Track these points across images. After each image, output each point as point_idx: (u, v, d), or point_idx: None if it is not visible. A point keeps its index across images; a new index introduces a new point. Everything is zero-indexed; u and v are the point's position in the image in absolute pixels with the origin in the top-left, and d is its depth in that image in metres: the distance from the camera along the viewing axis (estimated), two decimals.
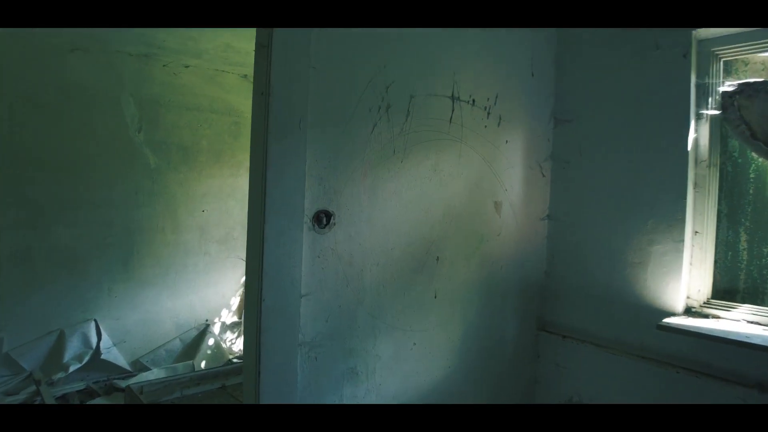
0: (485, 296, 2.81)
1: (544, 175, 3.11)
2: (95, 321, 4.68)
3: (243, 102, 5.53)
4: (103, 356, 4.59)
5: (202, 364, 5.03)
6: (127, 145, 4.83)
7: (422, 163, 2.47)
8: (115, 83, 4.72)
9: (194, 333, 5.28)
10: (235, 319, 5.57)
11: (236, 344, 5.56)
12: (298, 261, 2.01)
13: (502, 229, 2.86)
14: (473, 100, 2.67)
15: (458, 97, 2.60)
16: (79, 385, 4.41)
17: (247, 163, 5.25)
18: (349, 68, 2.16)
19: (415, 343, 2.48)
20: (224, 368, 4.87)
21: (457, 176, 2.62)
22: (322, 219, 2.01)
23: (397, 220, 2.38)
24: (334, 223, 2.08)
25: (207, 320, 5.37)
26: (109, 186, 4.73)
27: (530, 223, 3.04)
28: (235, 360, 5.29)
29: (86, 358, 4.50)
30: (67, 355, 4.43)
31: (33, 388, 4.10)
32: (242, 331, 5.53)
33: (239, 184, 5.54)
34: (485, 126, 2.75)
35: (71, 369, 4.36)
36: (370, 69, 2.22)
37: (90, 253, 4.65)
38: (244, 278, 5.56)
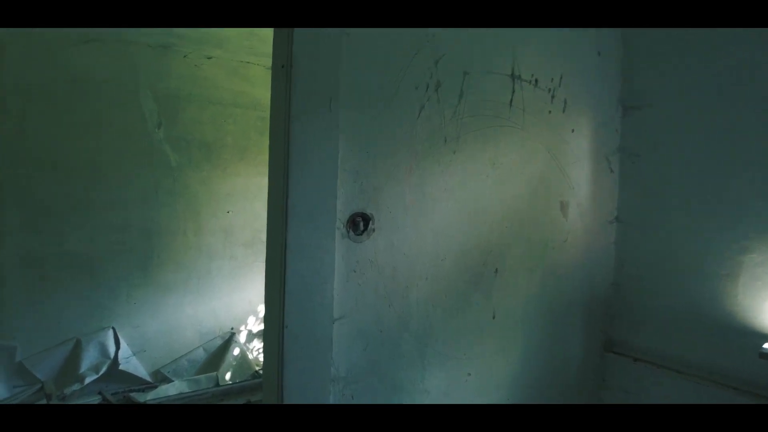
0: (548, 313, 2.37)
1: (612, 171, 2.63)
2: (113, 329, 4.40)
3: (270, 96, 5.17)
4: (121, 366, 4.30)
5: (227, 376, 4.70)
6: (145, 141, 4.52)
7: (478, 155, 2.03)
8: (132, 76, 4.42)
9: (218, 342, 4.95)
10: (262, 326, 5.22)
11: (262, 354, 5.22)
12: (330, 276, 1.60)
13: (568, 234, 2.40)
14: (536, 80, 2.23)
15: (519, 76, 2.16)
16: (94, 399, 4.11)
17: None
18: (391, 35, 1.73)
19: (470, 374, 2.05)
20: (250, 382, 4.54)
21: (519, 171, 2.18)
22: (359, 224, 1.60)
23: (449, 225, 1.95)
24: (374, 229, 1.66)
25: (232, 328, 5.04)
26: (124, 185, 4.42)
27: (598, 227, 2.56)
28: (261, 372, 4.95)
29: (103, 369, 4.21)
30: (84, 365, 4.14)
31: (44, 402, 3.83)
32: None
33: (266, 183, 5.17)
34: (549, 111, 2.30)
35: (87, 380, 4.07)
36: (415, 37, 1.79)
37: (105, 257, 4.35)
38: None
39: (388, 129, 1.74)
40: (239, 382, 4.50)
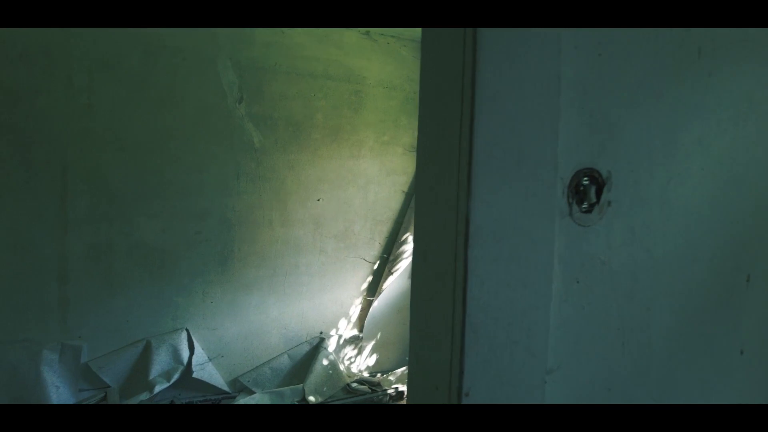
0: None
1: None
2: (187, 331, 3.87)
3: (365, 65, 4.45)
4: (195, 374, 3.76)
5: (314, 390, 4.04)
6: (226, 119, 3.96)
7: (739, 83, 1.11)
8: (210, 44, 3.85)
9: (306, 348, 4.31)
10: (355, 332, 4.52)
11: (355, 364, 4.51)
12: (545, 291, 0.77)
13: None
14: None
15: None
16: None
17: (371, 143, 4.12)
18: None
19: None
20: (343, 401, 3.87)
21: None
22: (588, 191, 0.76)
23: (702, 200, 1.05)
24: (609, 201, 0.81)
25: (321, 333, 4.38)
26: (202, 169, 3.88)
27: None
28: (354, 385, 4.25)
29: (175, 376, 3.69)
30: (154, 371, 3.64)
31: None
32: (363, 348, 4.48)
33: (361, 168, 4.47)
34: None
35: (156, 389, 3.56)
36: None
37: (179, 249, 3.83)
38: (366, 284, 4.55)
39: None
40: (332, 401, 3.84)
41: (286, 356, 4.22)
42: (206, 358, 3.90)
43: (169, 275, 3.80)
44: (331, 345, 4.41)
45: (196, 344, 3.86)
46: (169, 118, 3.76)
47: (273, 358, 4.18)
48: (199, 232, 3.88)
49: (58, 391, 3.43)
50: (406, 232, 4.51)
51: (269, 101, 4.11)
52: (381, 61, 4.52)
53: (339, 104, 4.39)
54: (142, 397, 3.50)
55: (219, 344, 3.99)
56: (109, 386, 3.58)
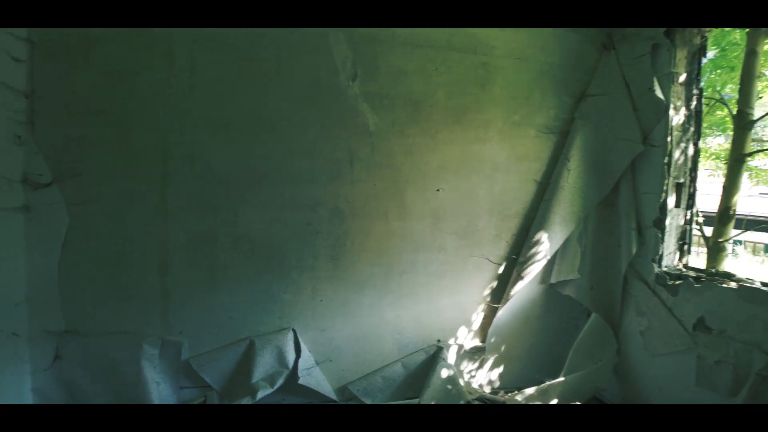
0: None
1: None
2: (293, 331, 3.54)
3: (494, 33, 3.82)
4: (301, 380, 3.42)
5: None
6: (338, 98, 3.54)
7: None
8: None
9: (422, 357, 3.82)
10: (477, 342, 3.94)
11: (476, 378, 3.95)
12: None
13: None
14: None
15: None
16: None
17: (499, 124, 3.44)
18: None
19: None
20: None
21: None
22: None
23: None
24: None
25: (439, 341, 3.87)
26: (313, 154, 3.50)
27: None
28: (476, 403, 3.69)
29: (279, 381, 3.37)
30: (257, 374, 3.34)
31: None
32: (485, 360, 3.90)
33: (487, 153, 3.86)
34: None
35: (259, 395, 3.26)
36: None
37: (287, 242, 3.50)
38: (490, 288, 3.94)
39: None
40: None
41: (400, 364, 3.76)
42: (313, 362, 3.56)
43: (276, 269, 3.49)
44: (450, 355, 3.88)
45: (303, 346, 3.53)
46: (277, 98, 3.42)
47: (386, 366, 3.74)
48: (309, 223, 3.52)
49: (159, 388, 3.27)
50: (539, 230, 3.82)
51: (385, 77, 3.64)
52: (511, 29, 3.85)
53: (463, 79, 3.80)
54: (244, 402, 3.22)
55: (328, 347, 3.63)
56: (210, 386, 3.35)
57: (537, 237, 3.83)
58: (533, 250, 3.83)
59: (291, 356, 3.46)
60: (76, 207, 3.17)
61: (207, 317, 3.39)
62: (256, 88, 3.38)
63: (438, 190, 3.78)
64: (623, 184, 3.88)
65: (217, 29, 3.29)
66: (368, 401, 3.60)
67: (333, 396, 3.57)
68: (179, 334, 3.35)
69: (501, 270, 3.93)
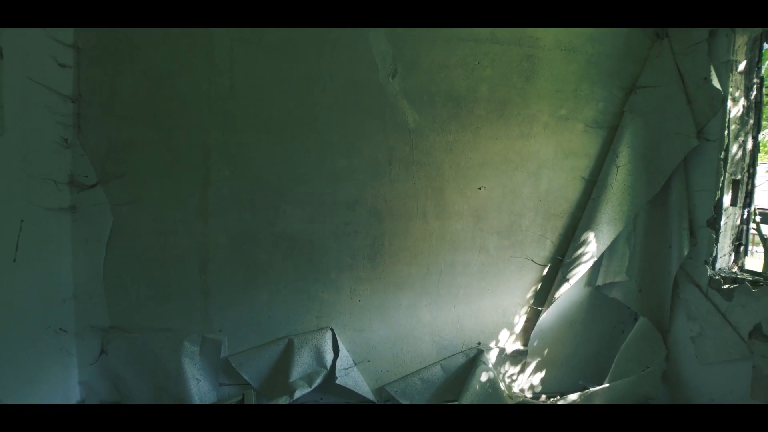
0: None
1: None
2: (332, 331, 3.53)
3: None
4: (338, 380, 3.41)
5: None
6: (376, 95, 3.47)
7: None
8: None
9: (461, 360, 3.75)
10: (519, 346, 3.83)
11: (517, 383, 3.85)
12: None
13: None
14: None
15: None
16: None
17: (545, 119, 3.27)
18: None
19: None
20: None
21: None
22: None
23: None
24: None
25: (479, 343, 3.78)
26: (351, 152, 3.45)
27: None
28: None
29: (317, 381, 3.37)
30: (295, 373, 3.35)
31: None
32: (527, 364, 3.79)
33: (532, 149, 3.72)
34: None
35: (297, 394, 3.26)
36: None
37: (326, 241, 3.48)
38: (533, 290, 3.82)
39: None
40: None
41: (438, 366, 3.70)
42: (351, 362, 3.54)
43: (315, 269, 3.47)
44: (491, 358, 3.79)
45: (341, 346, 3.51)
46: (316, 96, 3.37)
47: (424, 368, 3.69)
48: (348, 222, 3.48)
49: (199, 384, 3.32)
50: (586, 230, 3.66)
51: (426, 73, 3.53)
52: None
53: (507, 72, 3.66)
54: (282, 402, 3.23)
55: (365, 348, 3.61)
56: (249, 384, 3.38)
57: (584, 237, 3.67)
58: (580, 251, 3.68)
59: (329, 356, 3.45)
60: (120, 207, 3.23)
61: (246, 315, 3.42)
62: (296, 88, 3.35)
63: (479, 188, 3.67)
64: (675, 181, 3.67)
65: (256, 29, 3.26)
66: (406, 403, 3.56)
67: (371, 396, 3.55)
68: (219, 332, 3.39)
69: (545, 272, 3.80)
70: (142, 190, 3.24)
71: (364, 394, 3.51)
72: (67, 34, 3.10)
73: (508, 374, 3.83)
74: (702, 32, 3.46)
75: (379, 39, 3.45)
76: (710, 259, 3.46)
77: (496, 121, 3.67)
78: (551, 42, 3.69)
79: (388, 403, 3.59)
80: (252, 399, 3.28)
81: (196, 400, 3.26)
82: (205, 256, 3.32)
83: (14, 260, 2.68)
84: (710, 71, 3.40)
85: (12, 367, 2.70)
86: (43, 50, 2.93)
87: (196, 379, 3.29)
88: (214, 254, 3.34)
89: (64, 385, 3.20)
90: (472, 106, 3.62)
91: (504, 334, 3.81)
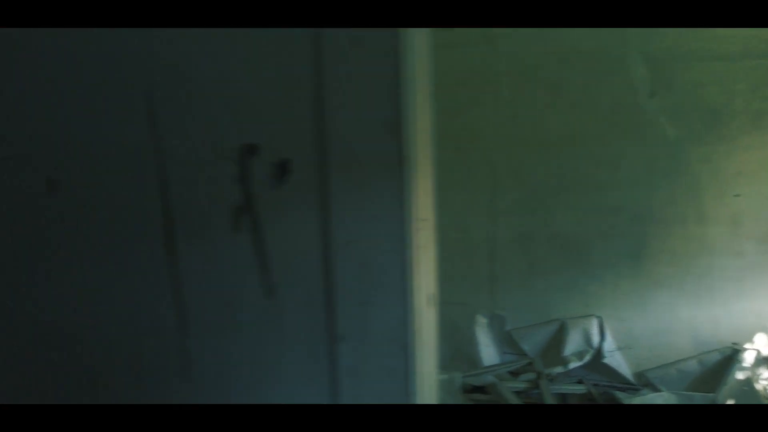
0: None
1: None
2: (599, 318, 4.08)
3: None
4: (605, 360, 3.98)
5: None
6: (635, 114, 3.92)
7: None
8: (619, 40, 3.87)
9: (716, 357, 3.98)
10: None
11: None
12: None
13: None
14: None
15: None
16: (580, 389, 3.88)
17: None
18: None
19: None
20: None
21: None
22: None
23: None
24: None
25: (734, 344, 3.98)
26: (614, 164, 3.96)
27: None
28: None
29: (587, 358, 3.99)
30: (567, 349, 4.01)
31: (533, 376, 3.95)
32: None
33: None
34: None
35: (570, 365, 3.93)
36: None
37: (593, 241, 4.02)
38: None
39: None
40: None
41: (695, 361, 3.99)
42: (615, 346, 4.05)
43: (583, 265, 4.05)
44: (747, 359, 3.96)
45: (607, 332, 4.05)
46: (584, 119, 3.96)
47: (681, 360, 4.01)
48: (612, 226, 3.99)
49: (488, 350, 4.15)
50: None
51: (682, 92, 3.91)
52: None
53: (760, 85, 3.86)
54: (558, 370, 3.94)
55: (626, 335, 4.07)
56: (526, 354, 4.12)
57: None
58: None
59: (596, 339, 4.02)
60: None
61: (525, 299, 4.16)
62: (567, 111, 3.96)
63: (736, 195, 3.91)
64: None
65: (532, 67, 3.96)
66: (665, 390, 3.91)
67: (631, 379, 3.98)
68: (503, 310, 4.19)
69: None
70: (444, 198, 4.12)
71: (625, 375, 3.97)
72: None
73: (763, 377, 3.95)
74: None
75: (636, 65, 3.92)
76: None
77: (751, 131, 3.88)
78: None
79: (647, 388, 3.95)
80: (539, 365, 3.96)
81: (485, 362, 4.10)
82: (493, 249, 4.13)
83: None
84: None
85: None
86: None
87: (486, 345, 4.12)
88: (500, 248, 4.12)
89: None
90: (728, 119, 3.88)
91: (760, 338, 3.95)
